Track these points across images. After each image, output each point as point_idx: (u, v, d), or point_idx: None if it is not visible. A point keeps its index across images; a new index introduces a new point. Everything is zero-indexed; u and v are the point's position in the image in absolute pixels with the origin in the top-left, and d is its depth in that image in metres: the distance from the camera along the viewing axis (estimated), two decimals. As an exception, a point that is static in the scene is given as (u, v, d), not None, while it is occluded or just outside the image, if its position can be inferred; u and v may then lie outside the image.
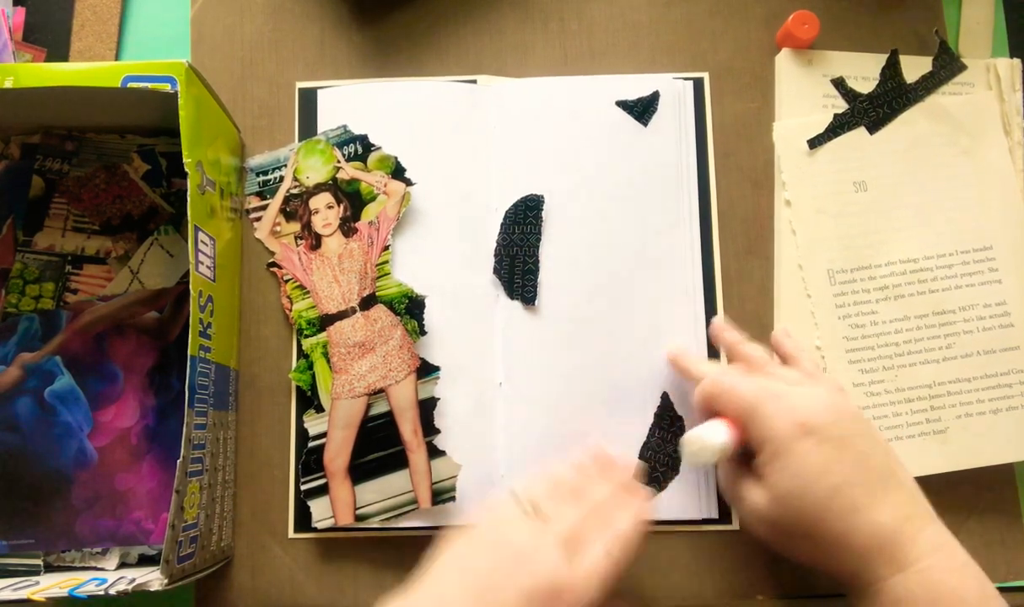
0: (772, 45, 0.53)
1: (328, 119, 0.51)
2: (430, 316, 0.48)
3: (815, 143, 0.50)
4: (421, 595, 0.36)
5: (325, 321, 0.48)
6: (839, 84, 0.51)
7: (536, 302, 0.49)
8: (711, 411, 0.42)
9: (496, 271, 0.49)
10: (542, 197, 0.49)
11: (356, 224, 0.49)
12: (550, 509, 0.39)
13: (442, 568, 0.37)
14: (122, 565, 0.45)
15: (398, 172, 0.49)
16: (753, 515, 0.41)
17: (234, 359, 0.48)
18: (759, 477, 0.40)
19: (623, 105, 0.51)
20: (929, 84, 0.51)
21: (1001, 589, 0.48)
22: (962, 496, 0.48)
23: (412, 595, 0.36)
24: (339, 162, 0.50)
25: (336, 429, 0.47)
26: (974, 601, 0.36)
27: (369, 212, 0.49)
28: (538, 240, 0.49)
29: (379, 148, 0.50)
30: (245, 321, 0.50)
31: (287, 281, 0.49)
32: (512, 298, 0.49)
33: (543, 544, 0.36)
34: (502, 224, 0.49)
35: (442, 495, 0.46)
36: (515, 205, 0.49)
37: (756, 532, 0.41)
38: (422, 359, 0.47)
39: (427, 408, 0.47)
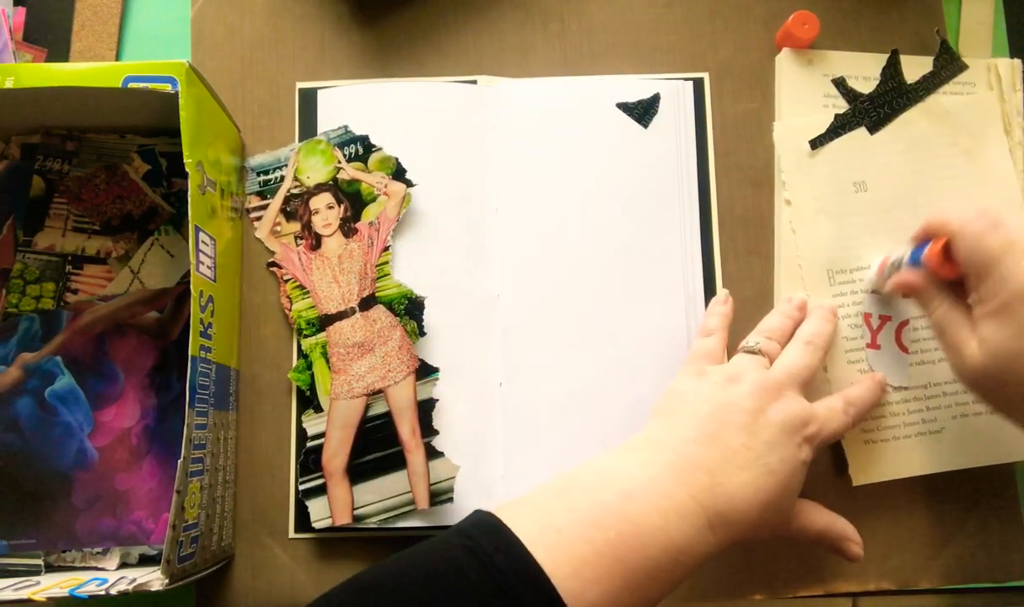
0: (772, 45, 0.53)
1: (328, 119, 0.51)
2: (430, 317, 0.48)
3: (816, 143, 0.50)
4: (680, 414, 0.41)
5: (324, 321, 0.48)
6: (840, 84, 0.51)
7: (536, 302, 0.49)
8: (929, 236, 0.42)
9: None
10: None
11: (356, 225, 0.49)
12: (772, 349, 0.44)
13: (695, 395, 0.41)
14: (123, 565, 0.45)
15: (399, 173, 0.49)
16: (964, 364, 0.40)
17: (234, 359, 0.48)
18: (977, 328, 0.39)
19: (624, 107, 0.51)
20: (930, 84, 0.51)
21: (1001, 589, 0.48)
22: (962, 496, 0.48)
23: (670, 413, 0.41)
24: (340, 162, 0.50)
25: (334, 429, 0.47)
26: None
27: (369, 213, 0.49)
28: None
29: (380, 149, 0.50)
30: (245, 321, 0.50)
31: (287, 281, 0.49)
32: None
33: (786, 387, 0.41)
34: None
35: (440, 496, 0.46)
36: None
37: (963, 380, 0.41)
38: (421, 360, 0.47)
39: (426, 409, 0.47)
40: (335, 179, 0.50)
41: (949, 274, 0.41)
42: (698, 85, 0.52)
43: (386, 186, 0.49)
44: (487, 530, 0.34)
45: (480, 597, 0.31)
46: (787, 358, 0.43)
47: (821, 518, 0.42)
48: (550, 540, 0.33)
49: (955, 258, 0.40)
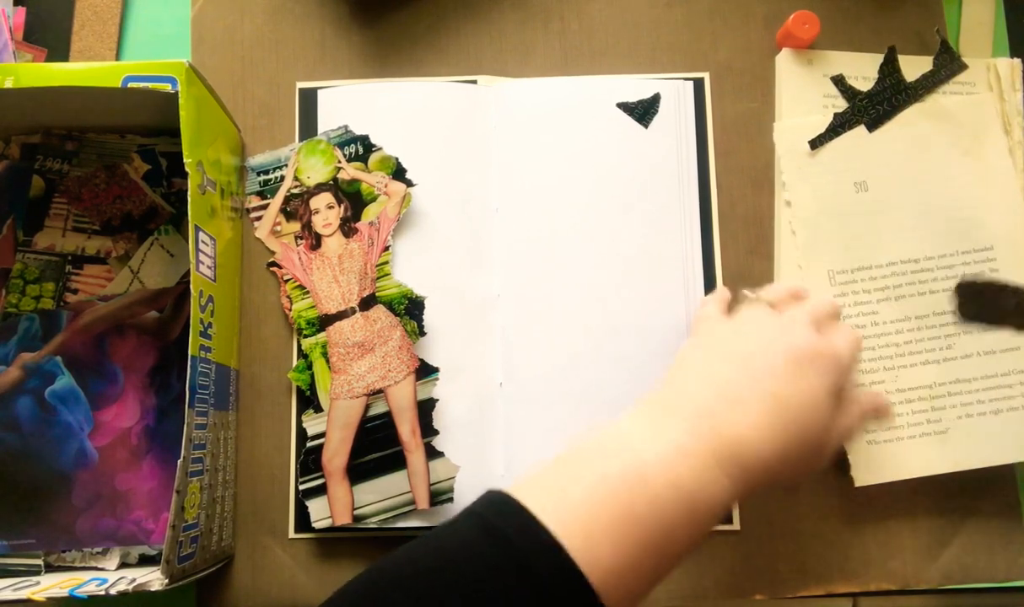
0: (772, 45, 0.53)
1: (328, 119, 0.51)
2: (430, 317, 0.48)
3: (816, 144, 0.50)
4: (684, 372, 0.39)
5: (324, 321, 0.48)
6: (839, 82, 0.51)
7: (536, 302, 0.49)
8: None
9: None
10: None
11: (356, 224, 0.49)
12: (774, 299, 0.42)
13: (698, 351, 0.40)
14: (122, 565, 0.45)
15: (399, 173, 0.49)
16: None
17: (234, 359, 0.48)
18: None
19: (624, 107, 0.51)
20: (929, 83, 0.51)
21: (1001, 589, 0.48)
22: (962, 496, 0.48)
23: (675, 374, 0.39)
24: (340, 162, 0.50)
25: (334, 429, 0.47)
26: None
27: (369, 212, 0.49)
28: None
29: (380, 148, 0.50)
30: (245, 321, 0.50)
31: (287, 281, 0.49)
32: None
33: (795, 319, 0.40)
34: None
35: (440, 496, 0.46)
36: None
37: None
38: (421, 360, 0.47)
39: (426, 409, 0.47)
40: (335, 179, 0.50)
41: None
42: (698, 85, 0.52)
43: (386, 186, 0.49)
44: (498, 507, 0.34)
45: (497, 574, 0.31)
46: (797, 305, 0.42)
47: (865, 399, 0.41)
48: (562, 509, 0.33)
49: None
